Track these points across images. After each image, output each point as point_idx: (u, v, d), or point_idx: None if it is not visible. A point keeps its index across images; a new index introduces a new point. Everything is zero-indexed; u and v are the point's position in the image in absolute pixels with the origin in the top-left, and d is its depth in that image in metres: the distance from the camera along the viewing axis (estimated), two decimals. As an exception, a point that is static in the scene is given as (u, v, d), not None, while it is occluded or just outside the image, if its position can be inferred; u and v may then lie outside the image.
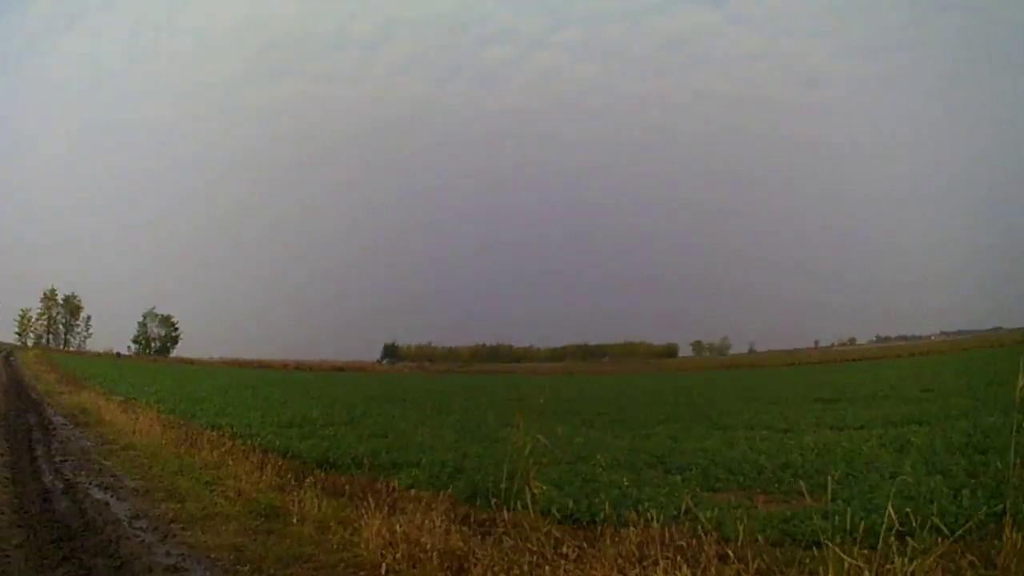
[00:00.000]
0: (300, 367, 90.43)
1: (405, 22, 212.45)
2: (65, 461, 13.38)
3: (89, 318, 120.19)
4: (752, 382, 43.57)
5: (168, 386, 34.62)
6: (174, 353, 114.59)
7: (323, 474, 13.04)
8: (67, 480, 11.62)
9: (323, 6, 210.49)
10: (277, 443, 15.62)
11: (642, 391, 38.41)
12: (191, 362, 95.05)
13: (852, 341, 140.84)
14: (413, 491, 11.42)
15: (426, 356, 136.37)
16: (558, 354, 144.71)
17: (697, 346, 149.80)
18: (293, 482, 11.49)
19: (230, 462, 12.93)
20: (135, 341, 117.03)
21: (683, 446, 14.62)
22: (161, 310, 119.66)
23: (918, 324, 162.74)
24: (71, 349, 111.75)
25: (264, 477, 11.57)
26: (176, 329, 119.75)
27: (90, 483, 11.57)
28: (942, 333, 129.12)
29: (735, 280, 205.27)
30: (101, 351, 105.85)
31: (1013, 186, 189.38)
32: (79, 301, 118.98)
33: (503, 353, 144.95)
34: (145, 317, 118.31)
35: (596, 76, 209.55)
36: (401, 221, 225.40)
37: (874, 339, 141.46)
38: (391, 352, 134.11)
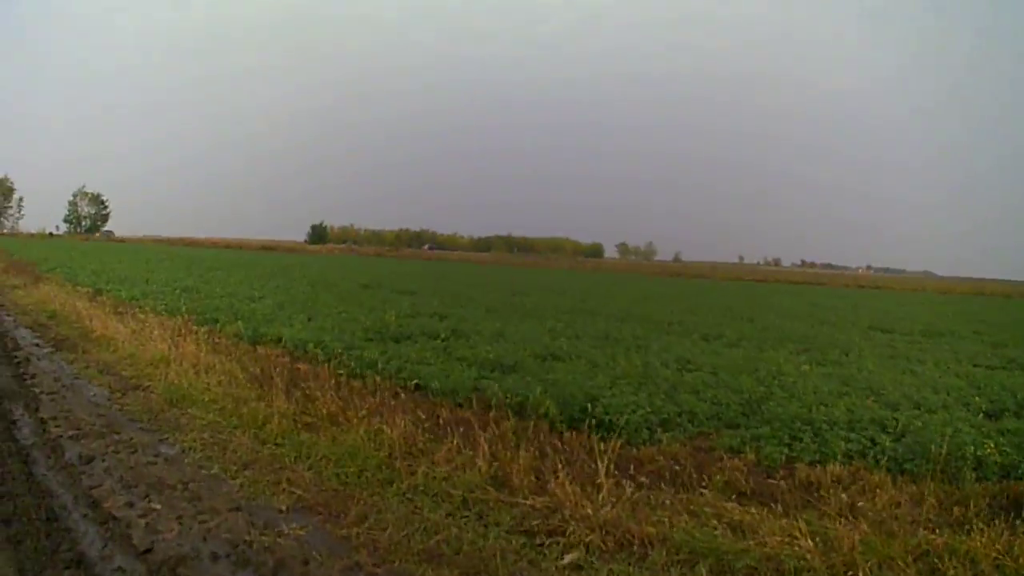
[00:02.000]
0: (229, 246, 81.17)
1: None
2: (90, 459, 5.61)
3: (21, 199, 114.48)
4: (737, 295, 36.71)
5: (133, 271, 26.03)
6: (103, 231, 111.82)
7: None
8: (148, 552, 4.19)
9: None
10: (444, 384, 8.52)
11: (642, 294, 31.68)
12: (120, 240, 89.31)
13: (777, 262, 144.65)
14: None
15: (350, 238, 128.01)
16: (482, 244, 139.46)
17: (623, 248, 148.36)
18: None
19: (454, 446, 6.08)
20: (66, 220, 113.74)
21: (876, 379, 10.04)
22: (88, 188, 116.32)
23: (841, 255, 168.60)
24: (4, 231, 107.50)
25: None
26: (106, 207, 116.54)
27: (210, 555, 4.29)
28: (868, 267, 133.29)
29: (662, 189, 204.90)
30: (34, 231, 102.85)
31: (966, 137, 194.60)
32: (11, 183, 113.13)
33: (426, 239, 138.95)
34: (75, 196, 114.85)
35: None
36: (324, 99, 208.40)
37: (798, 263, 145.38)
38: (319, 233, 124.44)
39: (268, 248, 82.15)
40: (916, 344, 15.87)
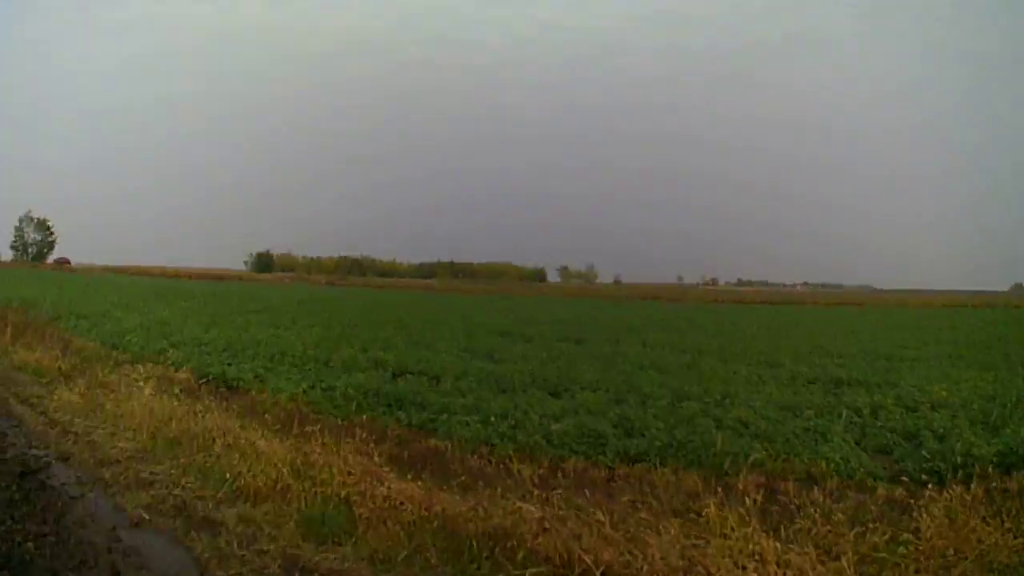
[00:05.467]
0: (178, 275, 77.26)
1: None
2: None
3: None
4: (747, 320, 34.54)
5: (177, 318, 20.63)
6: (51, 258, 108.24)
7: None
8: None
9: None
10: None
11: (675, 323, 30.14)
12: (72, 270, 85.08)
13: (714, 281, 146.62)
14: None
15: (290, 266, 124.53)
16: (424, 271, 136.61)
17: (564, 272, 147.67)
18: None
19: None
20: (12, 247, 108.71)
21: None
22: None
23: (777, 272, 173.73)
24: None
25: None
26: (52, 233, 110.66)
27: None
28: (805, 283, 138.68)
29: (599, 210, 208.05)
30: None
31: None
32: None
33: (366, 266, 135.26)
34: (22, 222, 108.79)
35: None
36: (265, 128, 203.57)
37: (735, 281, 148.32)
38: (264, 261, 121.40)
39: (217, 278, 76.97)
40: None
